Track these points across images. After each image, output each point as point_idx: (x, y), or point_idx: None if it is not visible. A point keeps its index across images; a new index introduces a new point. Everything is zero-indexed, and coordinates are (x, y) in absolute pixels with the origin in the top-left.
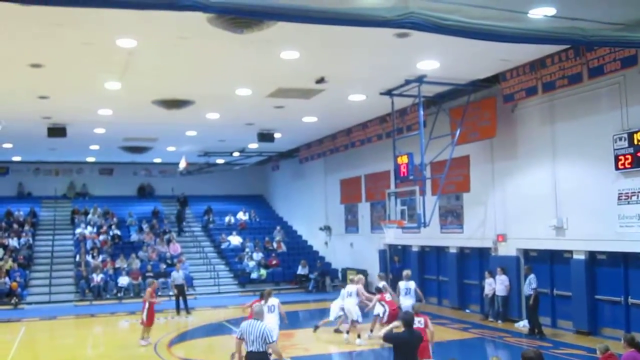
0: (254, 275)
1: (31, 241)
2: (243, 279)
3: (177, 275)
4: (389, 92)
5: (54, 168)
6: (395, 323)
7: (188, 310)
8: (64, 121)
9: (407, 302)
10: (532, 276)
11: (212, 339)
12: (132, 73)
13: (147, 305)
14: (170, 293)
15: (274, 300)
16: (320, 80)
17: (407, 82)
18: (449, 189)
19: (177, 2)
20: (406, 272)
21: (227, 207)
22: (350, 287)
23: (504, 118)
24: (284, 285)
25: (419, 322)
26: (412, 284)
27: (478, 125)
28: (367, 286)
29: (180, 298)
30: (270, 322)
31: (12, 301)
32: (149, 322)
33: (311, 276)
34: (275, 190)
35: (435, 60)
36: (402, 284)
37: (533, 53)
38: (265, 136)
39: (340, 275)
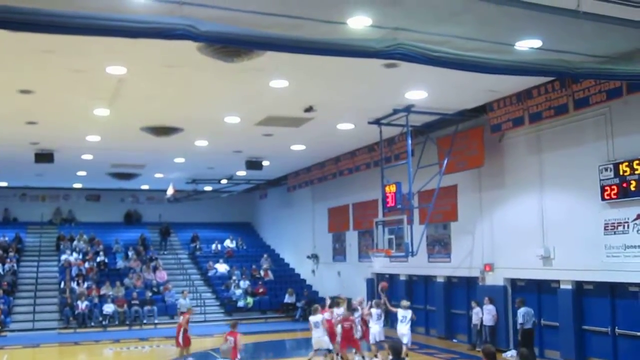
0: (240, 304)
1: (15, 267)
2: (229, 307)
3: (184, 303)
4: (377, 122)
5: (41, 194)
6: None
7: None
8: (52, 147)
9: (403, 330)
10: (520, 310)
11: None
12: (121, 100)
13: (181, 330)
14: (156, 321)
15: (318, 317)
16: (309, 109)
17: (395, 111)
18: (436, 218)
19: (167, 31)
20: (404, 303)
21: (215, 235)
22: (314, 318)
23: (491, 147)
24: (271, 314)
25: (230, 341)
26: (409, 313)
27: (466, 154)
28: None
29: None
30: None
31: None
32: (186, 344)
33: (298, 305)
34: (263, 218)
35: (423, 90)
36: (399, 312)
37: (520, 84)
38: (254, 164)
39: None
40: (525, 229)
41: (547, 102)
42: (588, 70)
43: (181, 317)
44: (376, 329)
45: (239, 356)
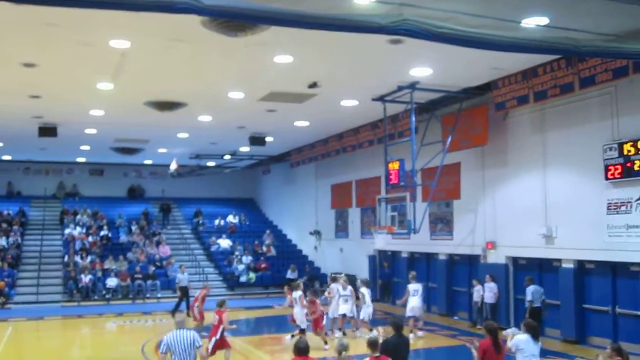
0: (243, 279)
1: (20, 241)
2: (232, 282)
3: (182, 277)
4: (381, 98)
5: (44, 168)
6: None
7: (189, 313)
8: (55, 121)
9: (414, 303)
10: (529, 288)
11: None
12: (125, 74)
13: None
14: (159, 295)
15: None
16: (313, 85)
17: (400, 88)
18: (439, 195)
19: (171, 4)
20: (412, 274)
21: (217, 210)
22: (294, 294)
23: (495, 126)
24: (273, 289)
25: (214, 319)
26: (419, 286)
27: (469, 132)
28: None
29: (184, 300)
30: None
31: (0, 301)
32: (200, 318)
33: (300, 280)
34: (266, 194)
35: (428, 67)
36: (410, 286)
37: (525, 62)
38: (257, 140)
39: (329, 280)
40: (528, 208)
41: (552, 81)
42: (594, 49)
43: (197, 292)
44: (414, 303)
45: (217, 336)
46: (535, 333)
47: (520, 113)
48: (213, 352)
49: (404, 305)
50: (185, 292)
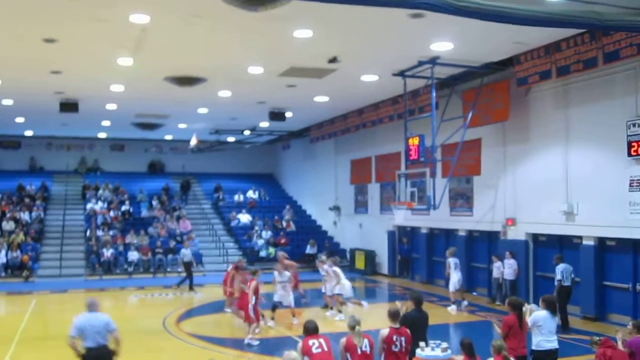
0: (262, 254)
1: (42, 215)
2: (252, 257)
3: (186, 253)
4: (401, 73)
5: (66, 143)
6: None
7: (192, 287)
8: (76, 96)
9: (455, 277)
10: (559, 266)
11: (219, 316)
12: (145, 49)
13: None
14: (179, 269)
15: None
16: (333, 60)
17: (420, 63)
18: (459, 171)
19: None
20: (451, 249)
21: (237, 185)
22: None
23: (517, 101)
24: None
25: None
26: (457, 260)
27: (491, 108)
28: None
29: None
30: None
31: (24, 274)
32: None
33: (319, 256)
34: (286, 169)
35: (449, 42)
36: (450, 260)
37: (548, 36)
38: (277, 115)
39: (348, 255)
40: (549, 184)
41: (575, 56)
42: (619, 23)
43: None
44: (455, 277)
45: (253, 301)
46: (554, 309)
47: (542, 88)
48: (257, 317)
49: (447, 279)
50: (188, 267)
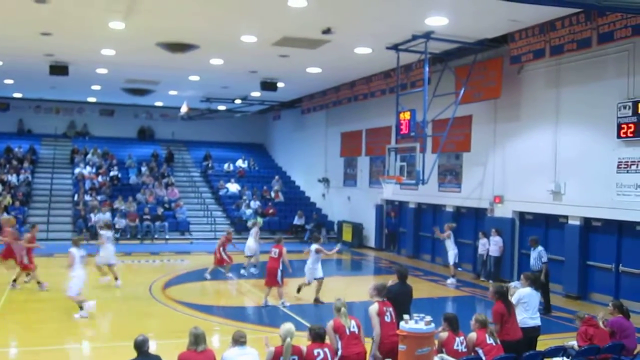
0: (250, 223)
1: (30, 178)
2: (240, 226)
3: (103, 217)
4: (395, 47)
5: (55, 106)
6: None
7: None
8: (67, 60)
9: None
10: (540, 249)
11: (205, 283)
12: (137, 13)
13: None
14: (167, 236)
15: None
16: (327, 31)
17: (415, 37)
18: (449, 147)
19: None
20: (452, 224)
21: (227, 154)
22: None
23: (509, 79)
24: (280, 235)
25: (274, 252)
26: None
27: (483, 85)
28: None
29: None
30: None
31: None
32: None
33: (307, 227)
34: (276, 139)
35: (444, 17)
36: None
37: (543, 15)
38: (268, 85)
39: (336, 227)
40: (538, 163)
41: (570, 35)
42: (615, 3)
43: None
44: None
45: (281, 267)
46: (537, 285)
47: (535, 67)
48: (283, 282)
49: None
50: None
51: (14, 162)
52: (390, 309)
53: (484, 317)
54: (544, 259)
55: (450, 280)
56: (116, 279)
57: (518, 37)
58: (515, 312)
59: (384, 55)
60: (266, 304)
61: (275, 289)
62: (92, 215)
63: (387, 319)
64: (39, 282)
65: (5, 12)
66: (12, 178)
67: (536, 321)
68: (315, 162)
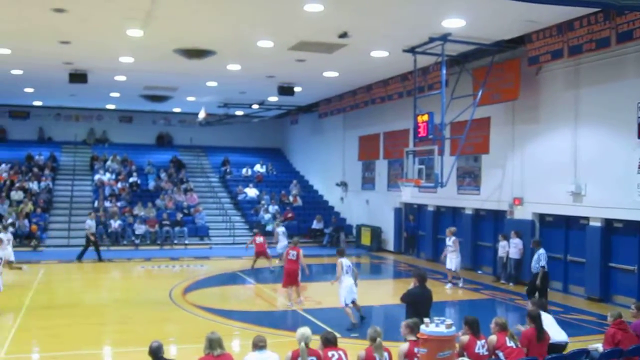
0: (269, 228)
1: (51, 185)
2: (258, 230)
3: (91, 224)
4: (412, 50)
5: (75, 114)
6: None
7: (100, 258)
8: (85, 67)
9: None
10: (541, 252)
11: (225, 288)
12: (154, 21)
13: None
14: (186, 242)
15: None
16: (343, 35)
17: (431, 39)
18: (467, 150)
19: None
20: (453, 228)
21: (245, 159)
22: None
23: (527, 81)
24: (300, 240)
25: (292, 255)
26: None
27: (501, 87)
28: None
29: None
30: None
31: (32, 243)
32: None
33: (326, 231)
34: (293, 144)
35: (461, 19)
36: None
37: (561, 15)
38: (286, 89)
39: (354, 231)
40: (557, 165)
41: (588, 35)
42: (634, 2)
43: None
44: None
45: (300, 267)
46: (545, 308)
47: (553, 68)
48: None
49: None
50: (94, 237)
51: (35, 170)
52: (423, 350)
53: (503, 320)
54: (542, 262)
55: (449, 286)
56: None
57: (535, 38)
58: (546, 341)
59: (401, 58)
60: (291, 305)
61: (293, 288)
62: (112, 221)
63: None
64: None
65: (25, 21)
66: (34, 185)
67: (561, 337)
68: (333, 166)
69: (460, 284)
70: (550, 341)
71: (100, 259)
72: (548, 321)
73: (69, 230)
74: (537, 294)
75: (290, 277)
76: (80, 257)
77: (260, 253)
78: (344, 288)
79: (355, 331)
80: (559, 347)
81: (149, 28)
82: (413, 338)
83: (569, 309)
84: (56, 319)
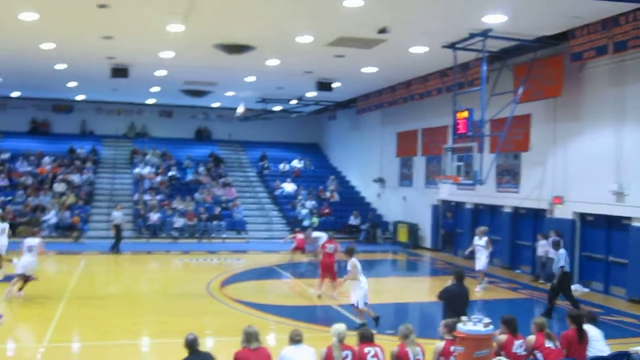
0: (306, 223)
1: (92, 178)
2: (295, 225)
3: (117, 215)
4: (452, 46)
5: (116, 108)
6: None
7: (118, 250)
8: (127, 62)
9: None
10: (562, 252)
11: (261, 282)
12: (195, 16)
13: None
14: (224, 235)
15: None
16: (383, 31)
17: (472, 35)
18: (507, 147)
19: None
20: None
21: (283, 155)
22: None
23: (570, 77)
24: (335, 235)
25: (329, 248)
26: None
27: (542, 83)
28: None
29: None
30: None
31: (74, 235)
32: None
33: (362, 227)
34: (331, 139)
35: (502, 14)
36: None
37: (606, 10)
38: (324, 85)
39: (391, 228)
40: (600, 163)
41: (634, 31)
42: None
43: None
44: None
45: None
46: (589, 319)
47: (597, 64)
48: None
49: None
50: (118, 230)
51: (77, 163)
52: (460, 349)
53: (542, 320)
54: (561, 263)
55: (478, 287)
56: None
57: (579, 34)
58: (585, 344)
59: (441, 53)
60: (318, 294)
61: (327, 281)
62: (151, 214)
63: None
64: None
65: (69, 17)
66: (76, 178)
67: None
68: (371, 162)
69: (482, 286)
70: (591, 355)
71: (112, 250)
72: (595, 335)
73: (109, 222)
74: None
75: (327, 270)
76: (116, 249)
77: (299, 248)
78: (362, 289)
79: (376, 327)
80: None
81: (189, 23)
82: (450, 338)
83: (610, 310)
84: (96, 309)
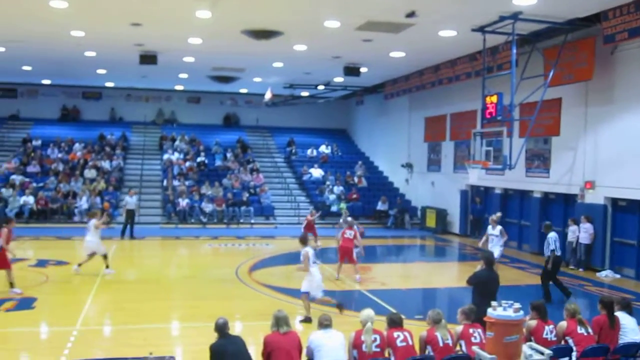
0: (334, 208)
1: (122, 164)
2: (323, 211)
3: (130, 201)
4: (481, 29)
5: (144, 95)
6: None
7: (130, 235)
8: (155, 49)
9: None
10: (551, 236)
11: (290, 268)
12: (223, 2)
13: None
14: (252, 221)
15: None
16: (411, 14)
17: (502, 18)
18: (537, 131)
19: None
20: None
21: (310, 140)
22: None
23: (602, 60)
24: (363, 220)
25: (349, 234)
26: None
27: (573, 67)
28: None
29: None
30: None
31: (104, 220)
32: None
33: (390, 212)
34: (359, 125)
35: None
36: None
37: None
38: (351, 70)
39: (419, 213)
40: (633, 148)
41: None
42: None
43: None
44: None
45: (357, 246)
46: (622, 306)
47: (630, 47)
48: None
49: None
50: (131, 215)
51: (107, 149)
52: (479, 330)
53: (574, 305)
54: (552, 247)
55: None
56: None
57: (612, 16)
58: (617, 330)
59: (470, 37)
60: (338, 277)
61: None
62: (180, 199)
63: (475, 339)
64: (11, 284)
65: (98, 4)
66: (106, 164)
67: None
68: (399, 147)
69: None
70: (624, 342)
71: (122, 236)
72: (629, 323)
73: (139, 208)
74: (551, 280)
75: (345, 254)
76: (131, 234)
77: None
78: (314, 280)
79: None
80: (632, 347)
81: (217, 9)
82: (468, 322)
83: None
84: (126, 294)
